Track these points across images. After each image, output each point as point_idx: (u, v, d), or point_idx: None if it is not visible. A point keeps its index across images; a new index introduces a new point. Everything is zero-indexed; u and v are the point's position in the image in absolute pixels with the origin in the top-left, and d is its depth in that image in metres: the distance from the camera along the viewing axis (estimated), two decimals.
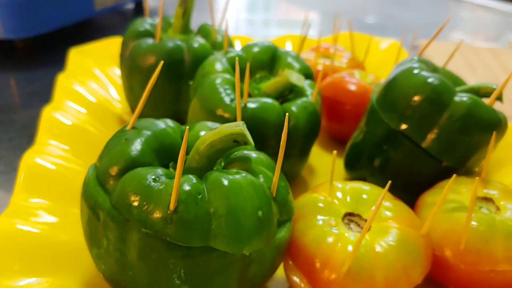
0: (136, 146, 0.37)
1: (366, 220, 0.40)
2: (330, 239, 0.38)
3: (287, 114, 0.36)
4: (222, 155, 0.38)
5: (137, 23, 0.64)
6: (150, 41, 0.61)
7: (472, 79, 0.84)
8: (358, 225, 0.40)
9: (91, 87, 0.70)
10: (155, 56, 0.59)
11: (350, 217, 0.40)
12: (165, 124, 0.40)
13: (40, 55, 0.93)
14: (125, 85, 0.65)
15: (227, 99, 0.49)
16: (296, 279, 0.38)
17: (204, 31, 0.65)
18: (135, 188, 0.34)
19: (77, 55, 0.75)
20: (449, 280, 0.41)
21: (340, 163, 0.57)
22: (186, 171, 0.38)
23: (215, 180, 0.34)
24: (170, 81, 0.60)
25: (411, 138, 0.47)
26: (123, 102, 0.71)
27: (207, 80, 0.51)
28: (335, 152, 0.40)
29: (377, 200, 0.41)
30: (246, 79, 0.46)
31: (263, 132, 0.48)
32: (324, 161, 0.63)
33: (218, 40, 0.64)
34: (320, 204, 0.41)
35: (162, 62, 0.43)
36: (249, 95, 0.53)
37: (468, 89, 0.48)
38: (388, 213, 0.40)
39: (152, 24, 0.65)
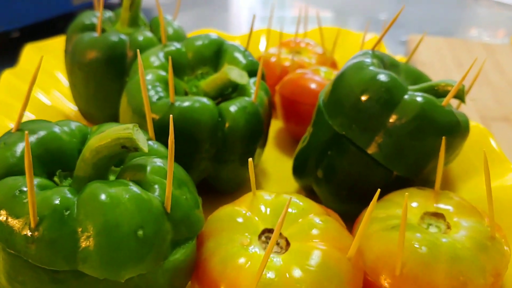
0: (14, 152, 0.32)
1: (286, 238, 0.34)
2: (241, 260, 0.32)
3: (171, 116, 0.31)
4: (112, 163, 0.33)
5: (83, 16, 0.59)
6: (93, 35, 0.56)
7: (459, 77, 0.77)
8: (277, 244, 0.34)
9: (38, 85, 0.65)
10: (95, 50, 0.55)
11: (269, 234, 0.35)
12: (60, 127, 0.35)
13: (9, 51, 0.89)
14: (69, 82, 0.60)
15: (154, 97, 0.44)
16: None
17: (155, 24, 0.60)
18: (1, 200, 0.29)
19: (32, 52, 0.71)
20: None
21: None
22: (73, 181, 0.33)
23: (90, 193, 0.29)
24: (112, 78, 0.55)
25: (356, 143, 0.41)
26: None
27: (137, 76, 0.46)
28: (250, 159, 0.35)
29: (304, 215, 0.36)
30: (170, 75, 0.41)
31: (194, 135, 0.43)
32: (280, 165, 0.57)
33: (169, 32, 0.59)
34: (239, 219, 0.36)
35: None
36: (186, 94, 0.48)
37: (425, 87, 0.42)
38: (315, 231, 0.34)
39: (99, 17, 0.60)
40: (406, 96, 0.39)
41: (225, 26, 1.13)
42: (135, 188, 0.30)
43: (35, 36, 0.93)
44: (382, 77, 0.40)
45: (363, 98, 0.40)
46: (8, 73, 0.64)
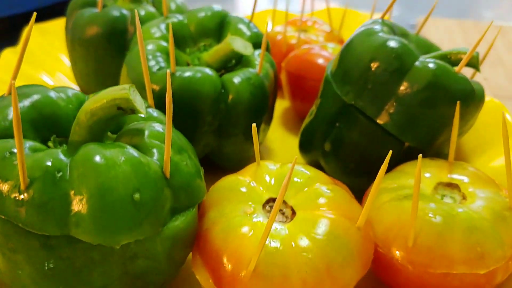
0: (6, 115, 0.31)
1: (291, 208, 0.32)
2: (244, 229, 0.30)
3: (168, 71, 0.29)
4: (108, 127, 0.31)
5: None
6: (93, 10, 0.55)
7: None
8: (282, 213, 0.32)
9: (42, 67, 0.64)
10: (96, 26, 0.53)
11: (274, 204, 0.33)
12: (56, 92, 0.34)
13: (12, 36, 0.88)
14: (70, 61, 0.59)
15: (154, 67, 0.42)
16: (201, 277, 0.31)
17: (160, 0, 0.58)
18: None
19: (33, 33, 0.70)
20: (397, 283, 0.33)
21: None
22: (69, 147, 0.31)
23: (84, 154, 0.28)
24: (113, 54, 0.54)
25: (365, 112, 0.39)
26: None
27: (136, 47, 0.45)
28: (254, 125, 0.33)
29: (311, 184, 0.34)
30: (171, 44, 0.39)
31: (195, 106, 0.42)
32: (286, 144, 0.55)
33: (172, 8, 0.57)
34: (242, 189, 0.34)
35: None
36: (188, 65, 0.46)
37: (437, 56, 0.40)
38: (322, 200, 0.33)
39: None
40: (417, 63, 0.37)
41: (231, 7, 1.11)
42: (132, 151, 0.29)
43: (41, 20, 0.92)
44: (392, 43, 0.38)
45: (373, 65, 0.38)
46: (8, 51, 0.62)
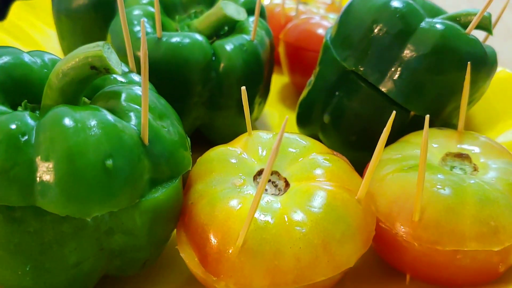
0: None
1: (285, 179, 0.29)
2: (232, 202, 0.28)
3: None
4: (82, 89, 0.28)
5: None
6: None
7: None
8: (275, 185, 0.29)
9: (31, 44, 0.61)
10: None
11: None
12: (31, 56, 0.31)
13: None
14: (58, 36, 0.56)
15: (139, 33, 0.39)
16: (186, 255, 0.28)
17: None
18: None
19: (21, 8, 0.67)
20: (402, 262, 0.31)
21: None
22: (41, 112, 0.28)
23: (53, 117, 0.25)
24: (101, 25, 0.51)
25: (367, 79, 0.36)
26: None
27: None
28: (243, 88, 0.30)
29: (307, 154, 0.31)
30: (156, 6, 0.36)
31: (184, 75, 0.39)
32: (285, 117, 0.52)
33: None
34: (232, 160, 0.31)
35: None
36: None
37: (446, 18, 0.37)
38: (318, 171, 0.30)
39: None
40: (423, 24, 0.34)
41: None
42: (105, 113, 0.26)
43: None
44: (396, 3, 0.35)
45: (375, 27, 0.35)
46: None
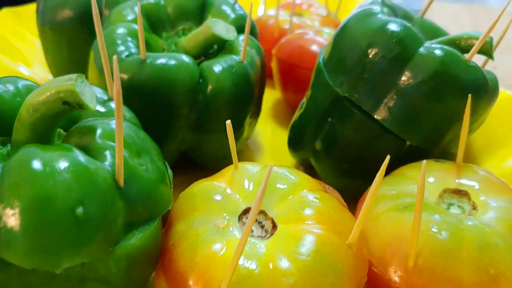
0: None
1: (272, 220, 0.28)
2: (214, 246, 0.26)
3: (114, 58, 0.24)
4: (55, 124, 0.26)
5: None
6: None
7: None
8: (261, 226, 0.28)
9: (17, 55, 0.59)
10: (67, 8, 0.48)
11: None
12: (2, 84, 0.29)
13: None
14: (43, 48, 0.54)
15: (123, 53, 0.37)
16: None
17: None
18: None
19: (8, 17, 0.65)
20: None
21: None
22: (12, 148, 0.26)
23: (20, 159, 0.23)
24: (87, 39, 0.49)
25: (361, 106, 0.34)
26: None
27: (105, 31, 0.40)
28: (228, 122, 0.28)
29: (296, 191, 0.29)
30: (140, 25, 0.34)
31: (169, 98, 0.37)
32: (277, 139, 0.51)
33: None
34: (217, 197, 0.29)
35: None
36: (163, 51, 0.41)
37: (444, 41, 0.35)
38: (308, 211, 0.28)
39: None
40: (421, 49, 0.32)
41: None
42: (77, 154, 0.24)
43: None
44: (393, 26, 0.33)
45: (370, 51, 0.33)
46: None
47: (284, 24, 0.58)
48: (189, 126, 0.39)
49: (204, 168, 0.44)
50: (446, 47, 0.32)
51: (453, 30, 0.78)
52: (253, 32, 0.44)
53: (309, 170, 0.41)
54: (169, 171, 0.31)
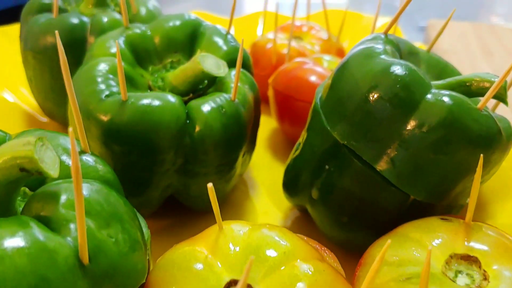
0: None
1: None
2: None
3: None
4: (12, 190, 0.23)
5: None
6: (50, 16, 0.47)
7: (487, 67, 0.66)
8: None
9: (2, 79, 0.57)
10: (49, 35, 0.45)
11: None
12: None
13: None
14: (26, 75, 0.51)
15: (104, 93, 0.34)
16: None
17: (128, 2, 0.50)
18: None
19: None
20: None
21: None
22: None
23: None
24: (71, 68, 0.45)
25: (361, 156, 0.31)
26: None
27: (86, 65, 0.37)
28: (210, 185, 0.25)
29: (288, 261, 0.26)
30: (118, 63, 0.31)
31: (153, 142, 0.34)
32: (273, 171, 0.48)
33: (141, 14, 0.49)
34: (197, 266, 0.26)
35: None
36: (150, 89, 0.38)
37: (453, 83, 0.32)
38: (301, 285, 0.25)
39: None
40: (429, 96, 0.29)
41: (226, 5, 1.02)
42: (35, 231, 0.21)
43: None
44: (398, 70, 0.30)
45: (372, 96, 0.30)
46: None
47: (282, 49, 0.55)
48: (175, 171, 0.36)
49: (192, 209, 0.41)
50: (455, 94, 0.29)
51: (460, 48, 0.75)
52: (246, 65, 0.41)
53: (306, 214, 0.38)
54: (146, 231, 0.28)
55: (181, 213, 0.42)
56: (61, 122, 0.52)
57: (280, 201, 0.43)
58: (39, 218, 0.22)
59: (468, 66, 0.66)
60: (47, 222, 0.22)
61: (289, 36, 0.58)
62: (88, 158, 0.28)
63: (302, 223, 0.41)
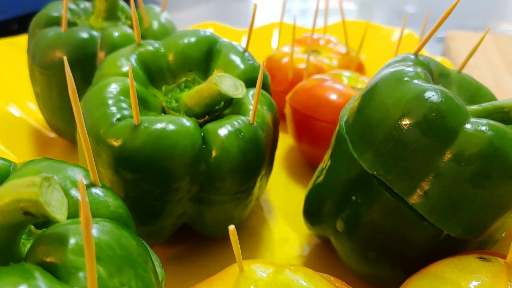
0: None
1: None
2: None
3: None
4: (15, 233, 0.21)
5: (50, 7, 0.48)
6: (57, 30, 0.45)
7: (511, 80, 0.64)
8: None
9: (9, 93, 0.55)
10: (58, 50, 0.44)
11: None
12: None
13: None
14: (33, 90, 0.49)
15: (115, 116, 0.32)
16: None
17: (139, 16, 0.48)
18: None
19: (3, 49, 0.60)
20: None
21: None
22: None
23: None
24: (79, 85, 0.43)
25: (392, 188, 0.29)
26: None
27: (97, 85, 0.35)
28: (232, 228, 0.23)
29: None
30: (131, 87, 0.29)
31: (167, 169, 0.32)
32: (292, 193, 0.46)
33: (153, 27, 0.47)
34: None
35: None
36: (163, 110, 0.36)
37: (489, 109, 0.29)
38: None
39: (72, 9, 0.49)
40: (467, 126, 0.27)
41: (243, 17, 1.01)
42: (38, 283, 0.19)
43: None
44: (433, 96, 0.28)
45: (404, 125, 0.28)
46: None
47: (299, 64, 0.53)
48: (189, 198, 0.34)
49: (206, 236, 0.39)
50: (495, 123, 0.27)
51: (481, 60, 0.73)
52: (265, 84, 0.39)
53: (329, 246, 0.36)
54: (160, 272, 0.26)
55: (194, 239, 0.40)
56: (69, 139, 0.50)
57: (298, 226, 0.41)
58: (45, 265, 0.20)
59: (492, 81, 0.64)
60: (53, 270, 0.20)
61: (305, 49, 0.56)
62: (98, 192, 0.26)
63: (323, 251, 0.39)
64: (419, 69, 0.30)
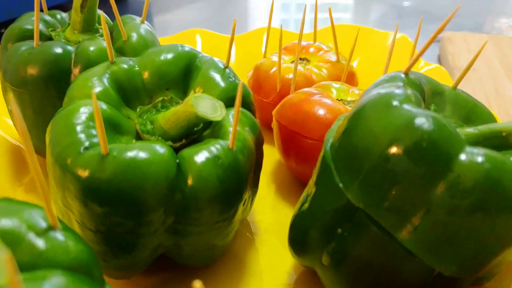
0: None
1: None
2: None
3: None
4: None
5: (24, 19, 0.46)
6: (30, 44, 0.43)
7: (511, 84, 0.61)
8: None
9: None
10: (30, 66, 0.41)
11: None
12: None
13: None
14: (7, 108, 0.47)
15: (82, 145, 0.30)
16: None
17: (116, 28, 0.46)
18: None
19: None
20: None
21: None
22: None
23: None
24: (54, 103, 0.42)
25: (380, 223, 0.26)
26: None
27: (67, 108, 0.33)
28: (198, 284, 0.21)
29: None
30: (97, 115, 0.27)
31: (139, 200, 0.29)
32: (278, 212, 0.43)
33: (132, 40, 0.44)
34: None
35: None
36: (137, 134, 0.34)
37: (486, 133, 0.27)
38: None
39: (46, 20, 0.46)
40: (462, 157, 0.24)
41: (242, 19, 0.98)
42: None
43: None
44: (424, 124, 0.25)
45: (392, 156, 0.26)
46: None
47: (288, 74, 0.50)
48: (164, 230, 0.32)
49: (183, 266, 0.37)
50: (492, 153, 0.25)
51: (479, 62, 0.70)
52: (246, 102, 0.37)
53: (314, 276, 0.34)
54: None
55: (175, 268, 0.37)
56: (45, 157, 0.48)
57: (286, 249, 0.39)
58: None
59: (491, 85, 0.62)
60: None
61: (294, 57, 0.54)
62: (58, 236, 0.23)
63: (312, 277, 0.37)
64: (409, 91, 0.28)
